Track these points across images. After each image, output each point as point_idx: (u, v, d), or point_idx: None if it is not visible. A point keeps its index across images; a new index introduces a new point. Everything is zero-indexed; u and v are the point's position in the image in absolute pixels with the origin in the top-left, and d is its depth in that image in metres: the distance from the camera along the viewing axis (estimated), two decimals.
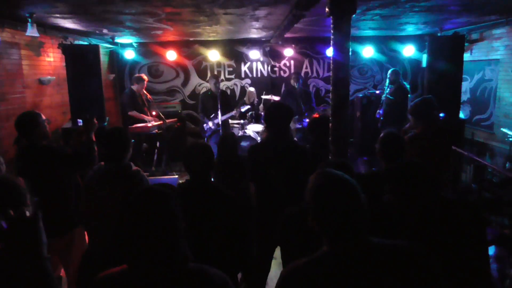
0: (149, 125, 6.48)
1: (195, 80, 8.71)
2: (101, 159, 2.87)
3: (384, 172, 2.18)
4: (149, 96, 6.92)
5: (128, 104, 6.70)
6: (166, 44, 8.20)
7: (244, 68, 8.78)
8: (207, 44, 8.25)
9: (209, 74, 8.61)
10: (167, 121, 6.85)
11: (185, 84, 8.73)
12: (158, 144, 6.85)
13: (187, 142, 8.06)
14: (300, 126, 6.58)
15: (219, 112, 6.29)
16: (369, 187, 1.72)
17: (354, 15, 2.96)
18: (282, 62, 8.81)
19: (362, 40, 8.26)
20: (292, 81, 7.06)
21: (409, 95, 6.96)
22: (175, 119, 7.33)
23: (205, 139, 6.64)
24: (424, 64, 7.86)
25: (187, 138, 8.04)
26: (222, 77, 8.69)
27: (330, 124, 3.06)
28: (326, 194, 1.36)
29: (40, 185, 2.71)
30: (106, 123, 5.73)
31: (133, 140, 2.86)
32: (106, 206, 2.61)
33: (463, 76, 6.61)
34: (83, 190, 2.80)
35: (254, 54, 8.31)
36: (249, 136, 6.59)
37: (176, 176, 6.08)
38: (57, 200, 2.99)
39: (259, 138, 6.63)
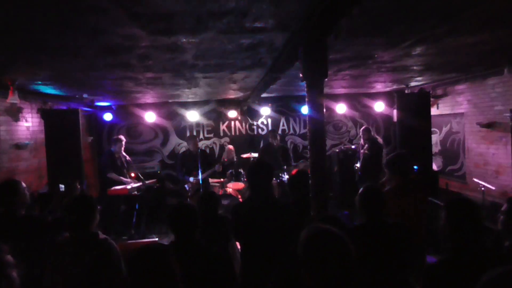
0: (128, 187, 6.42)
1: (174, 140, 8.82)
2: (66, 228, 2.74)
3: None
4: (127, 157, 6.93)
5: (106, 166, 6.68)
6: (145, 106, 8.37)
7: (222, 127, 9.00)
8: (186, 105, 8.48)
9: (188, 134, 8.77)
10: (146, 182, 6.82)
11: (164, 144, 8.81)
12: (137, 206, 6.75)
13: (167, 203, 7.97)
14: (279, 181, 6.67)
15: (200, 171, 6.33)
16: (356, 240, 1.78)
17: None
18: (260, 120, 9.09)
19: (335, 97, 8.67)
20: (270, 139, 7.25)
21: (383, 149, 7.25)
22: (154, 179, 7.30)
23: (187, 199, 6.61)
24: (395, 118, 8.28)
25: (166, 198, 7.96)
26: (201, 136, 8.85)
27: (309, 180, 3.16)
28: (319, 247, 1.42)
29: (15, 254, 2.61)
30: (85, 186, 5.67)
31: (99, 207, 2.77)
32: (72, 278, 2.48)
33: (432, 129, 6.98)
34: (47, 263, 2.63)
35: (232, 113, 8.55)
36: (230, 195, 6.60)
37: (156, 239, 5.95)
38: (29, 270, 2.88)
39: (239, 197, 6.64)
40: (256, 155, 7.56)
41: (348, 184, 7.60)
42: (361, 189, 2.89)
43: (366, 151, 7.02)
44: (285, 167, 6.87)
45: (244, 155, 7.76)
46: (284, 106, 9.06)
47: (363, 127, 7.33)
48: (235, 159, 7.88)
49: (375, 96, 8.74)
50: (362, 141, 7.30)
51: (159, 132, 8.79)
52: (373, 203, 2.78)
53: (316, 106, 3.12)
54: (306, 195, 3.37)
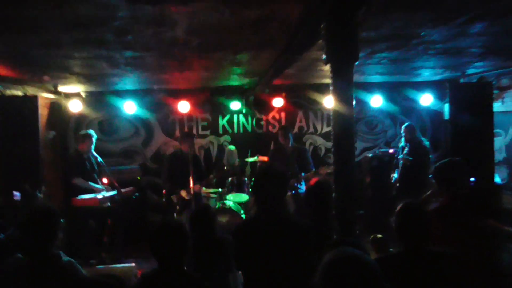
0: (99, 196, 6.46)
1: (160, 138, 8.86)
2: (19, 249, 2.75)
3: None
4: (99, 158, 6.98)
5: (72, 170, 6.73)
6: (124, 94, 8.39)
7: (222, 122, 9.02)
8: (176, 92, 8.51)
9: (177, 130, 8.80)
10: (122, 191, 6.85)
11: (146, 143, 8.85)
12: (110, 221, 6.80)
13: (148, 219, 8.01)
14: (293, 193, 6.68)
15: (191, 179, 6.36)
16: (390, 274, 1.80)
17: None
18: (271, 115, 9.09)
19: (369, 87, 8.64)
20: (280, 138, 7.25)
21: (430, 156, 7.21)
22: (133, 188, 7.34)
23: (174, 214, 6.64)
24: (446, 116, 8.23)
25: (148, 213, 7.99)
26: (194, 132, 8.87)
27: (333, 193, 3.16)
28: (342, 279, 1.47)
29: None
30: (40, 193, 5.71)
31: (62, 220, 2.79)
32: None
33: (496, 130, 6.94)
34: None
35: (235, 105, 8.56)
36: (230, 209, 6.62)
37: (133, 265, 5.98)
38: None
39: (241, 213, 6.65)
40: (265, 159, 7.56)
41: (383, 200, 7.56)
42: (399, 207, 2.89)
43: (408, 157, 7.00)
44: (302, 175, 6.88)
45: (250, 159, 7.78)
46: (302, 97, 9.04)
47: (405, 126, 7.29)
48: (237, 164, 7.89)
49: (421, 86, 8.69)
50: (402, 144, 7.27)
51: (141, 128, 8.83)
52: (414, 226, 2.78)
53: (343, 98, 3.12)
54: (327, 213, 3.38)
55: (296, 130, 9.09)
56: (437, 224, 3.35)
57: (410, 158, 6.98)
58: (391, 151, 8.29)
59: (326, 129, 9.14)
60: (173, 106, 8.56)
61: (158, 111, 8.79)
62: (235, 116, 9.04)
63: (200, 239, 3.77)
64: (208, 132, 9.02)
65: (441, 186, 3.75)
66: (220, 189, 7.12)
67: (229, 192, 7.18)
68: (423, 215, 2.84)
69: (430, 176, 4.40)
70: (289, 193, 6.60)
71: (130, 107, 8.30)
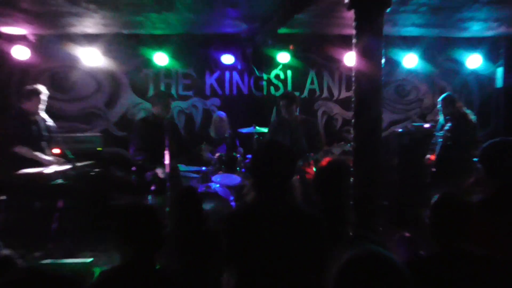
0: (48, 171, 6.45)
1: (128, 97, 8.85)
2: None
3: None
4: (50, 122, 6.94)
5: (13, 135, 6.69)
6: (84, 39, 8.31)
7: (210, 80, 9.01)
8: (152, 40, 8.45)
9: (152, 89, 8.78)
10: (78, 164, 6.83)
11: (111, 104, 8.84)
12: (61, 203, 6.80)
13: (112, 201, 8.01)
14: (301, 177, 6.66)
15: (166, 152, 6.34)
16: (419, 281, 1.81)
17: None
18: (274, 73, 9.08)
19: (402, 42, 8.61)
20: (282, 110, 7.09)
21: (476, 133, 7.19)
22: (93, 161, 7.32)
23: (146, 197, 6.64)
24: (498, 83, 8.19)
25: (111, 194, 7.99)
26: (173, 93, 8.86)
27: (350, 177, 3.16)
28: (364, 283, 1.47)
29: None
30: None
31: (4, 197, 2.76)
32: None
33: None
34: None
35: (228, 59, 8.53)
36: (216, 194, 6.63)
37: (90, 260, 6.02)
38: None
39: (231, 198, 6.66)
40: (265, 130, 7.56)
41: (414, 188, 7.61)
42: (435, 198, 2.89)
43: (448, 134, 6.99)
44: (311, 154, 6.86)
45: (244, 130, 7.76)
46: (316, 52, 9.02)
47: (442, 98, 7.27)
48: (228, 135, 7.88)
49: (469, 43, 8.65)
50: (441, 120, 7.24)
51: (104, 84, 8.81)
52: (453, 223, 2.78)
53: (369, 54, 3.10)
54: (343, 203, 3.38)
55: (305, 94, 9.10)
56: (481, 220, 3.35)
57: (449, 135, 6.97)
58: (427, 125, 8.28)
59: (345, 94, 9.12)
60: (147, 57, 8.50)
61: (127, 62, 8.74)
62: (227, 74, 9.03)
63: (186, 230, 3.78)
64: (191, 93, 9.01)
65: (489, 172, 3.72)
66: (204, 168, 7.12)
67: (216, 171, 7.17)
68: (464, 209, 2.84)
69: (475, 159, 4.36)
70: (296, 177, 6.60)
71: (91, 57, 8.23)
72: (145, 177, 6.68)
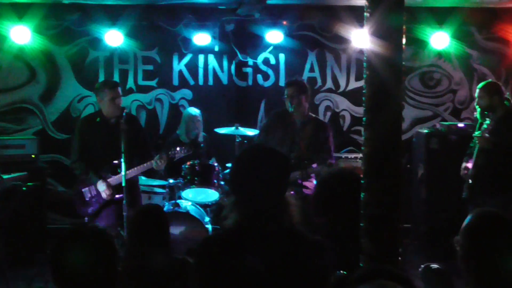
0: None
1: (71, 89, 8.86)
2: None
3: None
4: None
5: None
6: (12, 10, 8.26)
7: (179, 66, 9.04)
8: (103, 13, 8.43)
9: (102, 78, 8.76)
10: (4, 177, 6.80)
11: (49, 97, 8.85)
12: None
13: (50, 224, 7.99)
14: (299, 192, 6.65)
15: (122, 161, 6.32)
16: None
17: None
18: (262, 57, 9.11)
19: (430, 16, 8.63)
20: (290, 100, 7.05)
21: None
22: (25, 173, 7.30)
23: (85, 218, 6.62)
24: None
25: (48, 214, 7.96)
26: (131, 83, 8.90)
27: (362, 193, 3.15)
28: None
29: None
30: None
31: None
32: None
33: None
34: None
35: (202, 38, 8.55)
36: (187, 214, 6.63)
37: None
38: None
39: (206, 220, 6.65)
40: (251, 133, 7.58)
41: (446, 206, 7.63)
42: (468, 218, 2.89)
43: (488, 135, 6.98)
44: (313, 165, 6.85)
45: (224, 131, 7.77)
46: (316, 30, 9.04)
47: (482, 85, 7.25)
48: (201, 138, 7.88)
49: None
50: (478, 112, 7.19)
51: (40, 71, 8.80)
52: (494, 251, 2.78)
53: (386, 31, 3.11)
54: (352, 224, 3.39)
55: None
56: None
57: (488, 136, 6.94)
58: (461, 125, 8.30)
59: (354, 84, 9.17)
60: (95, 35, 8.50)
61: (69, 43, 8.74)
62: (201, 57, 9.06)
63: (147, 262, 3.78)
64: (154, 83, 9.04)
65: None
66: (171, 180, 7.14)
67: (187, 185, 7.18)
68: (508, 232, 2.84)
69: None
70: (291, 193, 6.57)
71: (22, 35, 8.20)
72: (81, 191, 6.64)
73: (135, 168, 6.61)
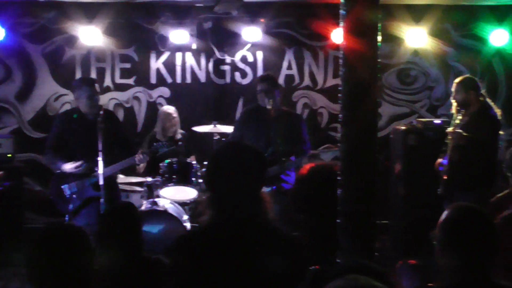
0: None
1: (48, 87, 8.80)
2: None
3: None
4: None
5: None
6: None
7: (156, 64, 9.02)
8: (78, 9, 8.41)
9: (80, 75, 8.72)
10: None
11: (25, 95, 8.79)
12: None
13: (25, 222, 7.95)
14: (275, 188, 6.71)
15: (99, 159, 6.31)
16: None
17: None
18: (239, 54, 9.11)
19: (406, 13, 8.68)
20: (261, 96, 7.10)
21: (499, 129, 7.22)
22: (1, 172, 7.26)
23: (66, 216, 6.59)
24: None
25: (25, 214, 7.93)
26: (108, 81, 8.87)
27: (338, 189, 3.17)
28: None
29: None
30: None
31: None
32: None
33: None
34: None
35: (180, 35, 8.55)
36: (165, 212, 6.62)
37: None
38: None
39: (184, 218, 6.65)
40: (229, 130, 7.59)
41: (422, 202, 7.67)
42: (445, 213, 2.93)
43: (463, 132, 7.01)
44: (292, 159, 6.87)
45: (201, 128, 7.79)
46: (294, 27, 9.05)
47: (458, 80, 7.29)
48: (179, 136, 7.86)
49: (493, 13, 8.75)
50: (454, 106, 7.21)
51: (15, 69, 8.74)
52: (472, 245, 2.81)
53: (362, 28, 3.13)
54: (329, 222, 3.41)
55: (281, 81, 9.03)
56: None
57: (461, 131, 6.96)
58: (437, 121, 8.33)
59: (332, 81, 9.18)
60: (72, 32, 8.46)
61: (46, 41, 8.69)
62: (179, 55, 9.04)
63: (121, 262, 3.77)
64: (131, 81, 9.01)
65: None
66: (150, 179, 7.14)
67: (166, 183, 7.18)
68: (487, 227, 2.84)
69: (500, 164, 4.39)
70: (267, 189, 6.57)
71: None
72: (61, 189, 6.62)
73: (118, 164, 6.60)
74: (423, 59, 9.28)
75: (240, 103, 8.82)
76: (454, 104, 7.09)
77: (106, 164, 6.31)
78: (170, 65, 9.03)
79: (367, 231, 3.02)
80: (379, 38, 3.16)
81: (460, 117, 6.92)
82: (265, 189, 6.50)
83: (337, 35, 8.10)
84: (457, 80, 7.20)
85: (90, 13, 8.32)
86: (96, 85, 6.79)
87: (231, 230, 3.01)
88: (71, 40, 8.57)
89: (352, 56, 3.10)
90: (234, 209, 3.02)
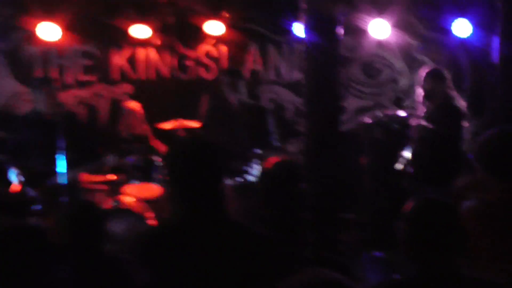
0: None
1: (6, 85, 8.73)
2: None
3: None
4: None
5: None
6: None
7: (118, 60, 8.96)
8: (37, 4, 8.29)
9: (38, 73, 8.66)
10: None
11: None
12: None
13: None
14: (240, 182, 6.76)
15: (62, 159, 6.26)
16: None
17: None
18: (203, 50, 9.09)
19: (369, 4, 8.67)
20: (224, 88, 7.14)
21: (462, 121, 7.28)
22: None
23: (32, 217, 6.53)
24: (496, 57, 8.37)
25: None
26: (69, 80, 8.78)
27: (304, 183, 3.16)
28: None
29: None
30: None
31: None
32: None
33: None
34: None
35: (142, 31, 8.51)
36: (129, 212, 6.59)
37: None
38: None
39: (148, 216, 6.63)
40: (192, 124, 7.61)
41: (387, 195, 7.74)
42: (410, 205, 2.92)
43: (428, 124, 7.04)
44: (258, 152, 6.87)
45: (165, 125, 7.77)
46: (258, 19, 9.04)
47: (431, 69, 7.32)
48: (143, 133, 7.84)
49: (456, 5, 8.82)
50: (421, 101, 7.24)
51: None
52: (436, 236, 2.81)
53: (323, 21, 3.12)
54: (295, 216, 3.39)
55: (247, 75, 9.05)
56: (477, 232, 3.40)
57: (431, 125, 7.00)
58: (403, 114, 8.38)
59: (297, 75, 9.11)
60: (31, 29, 8.38)
61: (4, 38, 8.60)
62: (142, 51, 9.00)
63: (79, 257, 3.74)
64: (93, 78, 8.95)
65: (489, 172, 3.77)
66: (114, 176, 7.12)
67: (129, 181, 7.17)
68: (451, 216, 2.86)
69: (465, 156, 4.40)
70: (230, 182, 6.59)
71: None
72: (27, 192, 6.56)
73: (85, 166, 6.57)
74: (388, 51, 9.31)
75: (205, 99, 8.76)
76: (420, 95, 7.10)
77: (68, 165, 6.27)
78: (133, 61, 8.98)
79: (331, 225, 3.02)
80: (341, 30, 3.15)
81: (425, 109, 6.96)
82: (229, 182, 6.56)
83: (299, 29, 8.10)
84: (425, 70, 7.24)
85: (50, 9, 8.23)
86: (56, 83, 6.74)
87: (192, 225, 3.00)
88: (31, 37, 8.47)
89: (313, 49, 3.09)
90: (194, 205, 3.00)
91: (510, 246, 3.42)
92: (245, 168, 6.82)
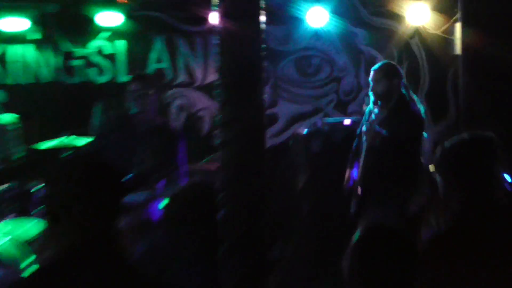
0: None
1: None
2: None
3: None
4: None
5: None
6: None
7: None
8: None
9: None
10: None
11: None
12: None
13: None
14: (143, 219, 6.64)
15: None
16: None
17: None
18: (95, 46, 9.05)
19: None
20: (128, 100, 7.05)
21: (423, 127, 7.37)
22: None
23: None
24: (458, 49, 8.54)
25: None
26: None
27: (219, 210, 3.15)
28: None
29: None
30: None
31: None
32: None
33: None
34: None
35: (17, 23, 8.45)
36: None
37: None
38: None
39: (27, 260, 6.54)
40: (82, 142, 7.51)
41: (332, 220, 7.78)
42: (358, 233, 2.94)
43: (376, 128, 7.08)
44: (163, 183, 6.86)
45: (48, 144, 7.67)
46: (165, 8, 9.06)
47: (377, 67, 7.37)
48: (19, 153, 7.75)
49: None
50: (370, 106, 7.28)
51: None
52: (384, 271, 2.84)
53: (241, 9, 3.11)
54: (209, 248, 3.39)
55: (150, 77, 8.99)
56: (440, 262, 3.45)
57: (384, 132, 7.05)
58: (347, 121, 8.45)
59: (215, 76, 9.11)
60: None
61: None
62: (16, 48, 8.91)
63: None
64: None
65: (452, 186, 3.83)
66: None
67: (1, 217, 7.03)
68: (406, 247, 2.91)
69: (424, 169, 4.44)
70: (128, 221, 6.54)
71: None
72: None
73: None
74: (327, 44, 9.36)
75: (98, 108, 8.69)
76: (372, 98, 7.08)
77: None
78: (5, 61, 8.86)
79: (254, 263, 2.99)
80: (263, 18, 3.14)
81: (376, 112, 6.98)
82: (127, 221, 6.51)
83: (215, 18, 8.10)
84: (376, 67, 7.19)
85: None
86: None
87: (81, 266, 2.95)
88: None
89: (230, 41, 3.07)
90: (81, 244, 2.96)
91: (472, 273, 3.48)
92: (147, 195, 6.76)
